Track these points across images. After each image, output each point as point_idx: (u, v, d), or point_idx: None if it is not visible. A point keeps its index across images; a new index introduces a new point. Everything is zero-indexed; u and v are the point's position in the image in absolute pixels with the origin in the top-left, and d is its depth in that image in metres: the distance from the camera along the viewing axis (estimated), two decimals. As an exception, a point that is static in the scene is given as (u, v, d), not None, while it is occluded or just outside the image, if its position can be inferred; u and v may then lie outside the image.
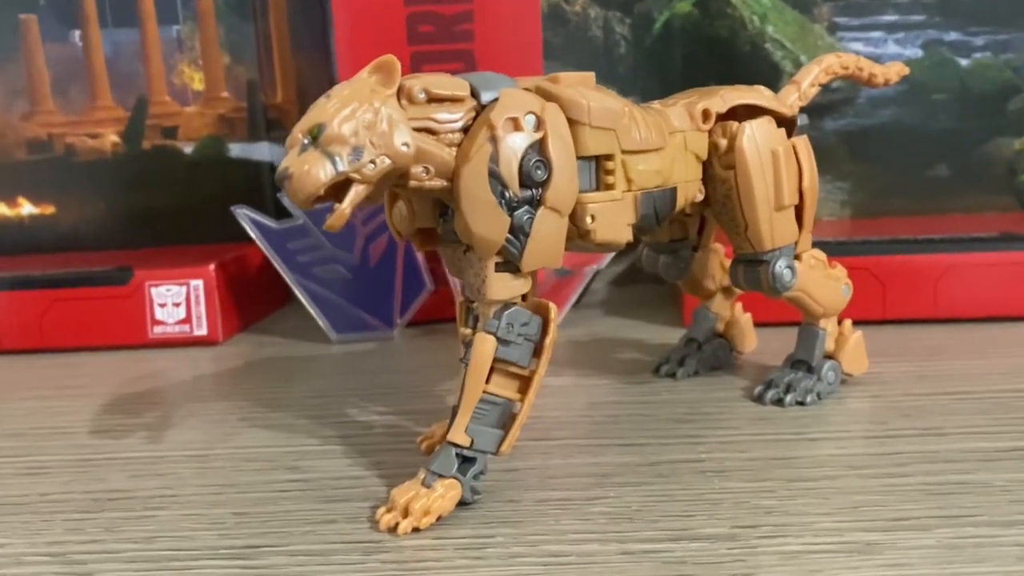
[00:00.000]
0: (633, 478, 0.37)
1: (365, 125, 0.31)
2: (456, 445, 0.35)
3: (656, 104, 0.41)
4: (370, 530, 0.33)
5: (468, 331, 0.36)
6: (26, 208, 0.74)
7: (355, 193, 0.32)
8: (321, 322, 0.61)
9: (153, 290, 0.61)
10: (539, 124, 0.34)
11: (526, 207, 0.34)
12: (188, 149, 0.73)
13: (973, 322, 0.57)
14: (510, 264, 0.34)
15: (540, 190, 0.34)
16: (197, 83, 0.73)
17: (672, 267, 0.48)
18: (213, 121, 0.73)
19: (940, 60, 0.68)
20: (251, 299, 0.66)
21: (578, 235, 0.36)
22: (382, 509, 0.34)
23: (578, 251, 0.38)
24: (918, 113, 0.68)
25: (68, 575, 0.31)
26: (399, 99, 0.33)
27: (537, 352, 0.35)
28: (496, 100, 0.34)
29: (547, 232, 0.34)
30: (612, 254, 0.62)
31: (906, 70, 0.49)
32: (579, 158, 0.35)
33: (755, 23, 0.68)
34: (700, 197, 0.42)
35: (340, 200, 0.32)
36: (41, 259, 0.69)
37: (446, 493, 0.34)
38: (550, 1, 0.71)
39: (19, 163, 0.73)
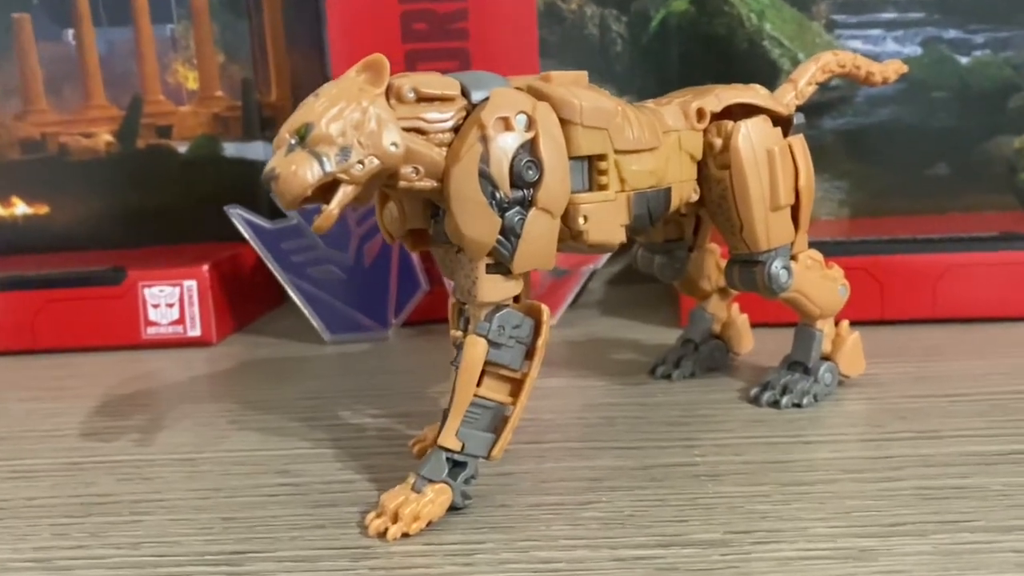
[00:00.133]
0: (626, 482, 0.36)
1: (353, 125, 0.31)
2: (446, 449, 0.34)
3: (650, 103, 0.41)
4: (359, 536, 0.33)
5: (459, 333, 0.36)
6: (20, 208, 0.73)
7: (343, 194, 0.31)
8: (315, 323, 0.60)
9: (146, 290, 0.61)
10: (530, 124, 0.33)
11: (517, 208, 0.33)
12: (182, 148, 0.72)
13: (972, 322, 0.56)
14: (501, 266, 0.34)
15: (531, 191, 0.33)
16: (191, 82, 0.72)
17: (667, 268, 0.47)
18: (207, 120, 0.72)
19: (939, 58, 0.67)
20: (245, 299, 0.66)
21: (571, 236, 0.36)
22: (371, 514, 0.34)
23: (571, 252, 0.38)
24: (917, 111, 0.68)
25: (52, 581, 0.31)
26: (388, 98, 0.32)
27: (529, 355, 0.35)
28: (487, 99, 0.33)
29: (539, 233, 0.34)
30: (608, 254, 0.61)
31: (904, 68, 0.48)
32: (571, 158, 0.35)
33: (752, 21, 0.67)
34: (695, 197, 0.41)
35: (328, 201, 0.31)
36: (35, 259, 0.69)
37: (436, 498, 0.33)
38: (546, -1, 0.71)
39: (12, 163, 0.73)
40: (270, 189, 0.31)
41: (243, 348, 0.60)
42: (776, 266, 0.42)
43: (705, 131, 0.41)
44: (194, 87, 0.72)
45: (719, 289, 0.49)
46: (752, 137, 0.41)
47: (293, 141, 0.31)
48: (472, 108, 0.33)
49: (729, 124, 0.41)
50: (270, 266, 0.60)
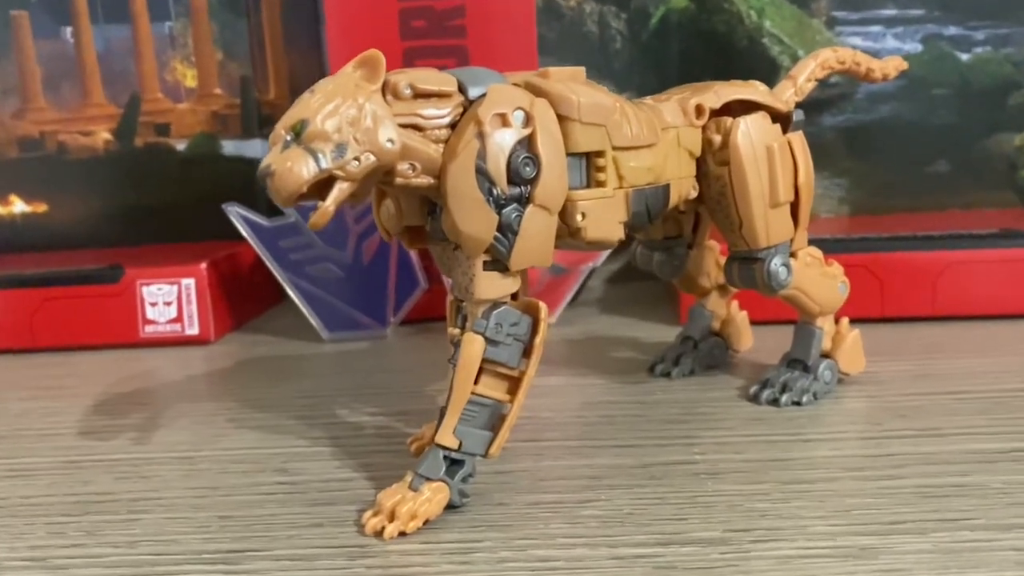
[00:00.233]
0: (625, 480, 0.36)
1: (349, 121, 0.31)
2: (444, 447, 0.34)
3: (648, 100, 0.40)
4: (356, 534, 0.33)
5: (457, 331, 0.36)
6: (18, 206, 0.73)
7: (339, 191, 0.31)
8: (314, 321, 0.60)
9: (144, 289, 0.61)
10: (528, 120, 0.33)
11: (515, 205, 0.33)
12: (181, 146, 0.72)
13: (972, 320, 0.56)
14: (499, 263, 0.34)
15: (529, 187, 0.33)
16: (190, 80, 0.72)
17: (666, 265, 0.47)
18: (206, 118, 0.72)
19: (940, 55, 0.67)
20: (243, 298, 0.66)
21: (568, 233, 0.36)
22: (368, 513, 0.33)
23: (569, 249, 0.38)
24: (917, 108, 0.68)
25: (48, 581, 0.31)
26: (384, 95, 0.32)
27: (527, 352, 0.34)
28: (484, 96, 0.33)
29: (536, 230, 0.34)
30: (608, 252, 0.61)
31: (904, 65, 0.48)
32: (569, 155, 0.35)
33: (752, 18, 0.67)
34: (694, 194, 0.41)
35: (324, 198, 0.31)
36: (33, 258, 0.69)
37: (433, 496, 0.33)
38: (545, -4, 0.71)
39: (11, 161, 0.73)
40: (265, 186, 0.31)
41: (241, 346, 0.60)
42: (775, 263, 0.42)
43: (704, 128, 0.41)
44: (192, 85, 0.72)
45: (718, 286, 0.49)
46: (751, 134, 0.40)
47: (289, 137, 0.31)
48: (469, 104, 0.33)
49: (728, 121, 0.40)
50: (268, 264, 0.60)
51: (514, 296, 0.35)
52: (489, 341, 0.34)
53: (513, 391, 0.34)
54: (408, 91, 0.32)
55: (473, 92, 0.33)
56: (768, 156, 0.41)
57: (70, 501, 0.37)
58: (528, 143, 0.33)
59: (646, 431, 0.41)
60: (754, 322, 0.51)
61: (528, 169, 0.33)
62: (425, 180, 0.33)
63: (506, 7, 0.59)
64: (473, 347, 0.34)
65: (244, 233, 0.60)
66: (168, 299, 0.60)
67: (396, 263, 0.60)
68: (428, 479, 0.34)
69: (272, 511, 0.35)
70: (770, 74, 0.65)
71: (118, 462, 0.41)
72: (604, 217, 0.36)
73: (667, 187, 0.39)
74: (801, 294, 0.43)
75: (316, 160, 0.30)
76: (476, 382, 0.34)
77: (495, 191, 0.32)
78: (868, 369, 0.46)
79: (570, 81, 0.35)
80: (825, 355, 0.45)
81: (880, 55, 0.48)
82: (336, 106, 0.31)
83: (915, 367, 0.48)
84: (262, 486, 0.37)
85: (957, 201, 0.68)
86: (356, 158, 0.31)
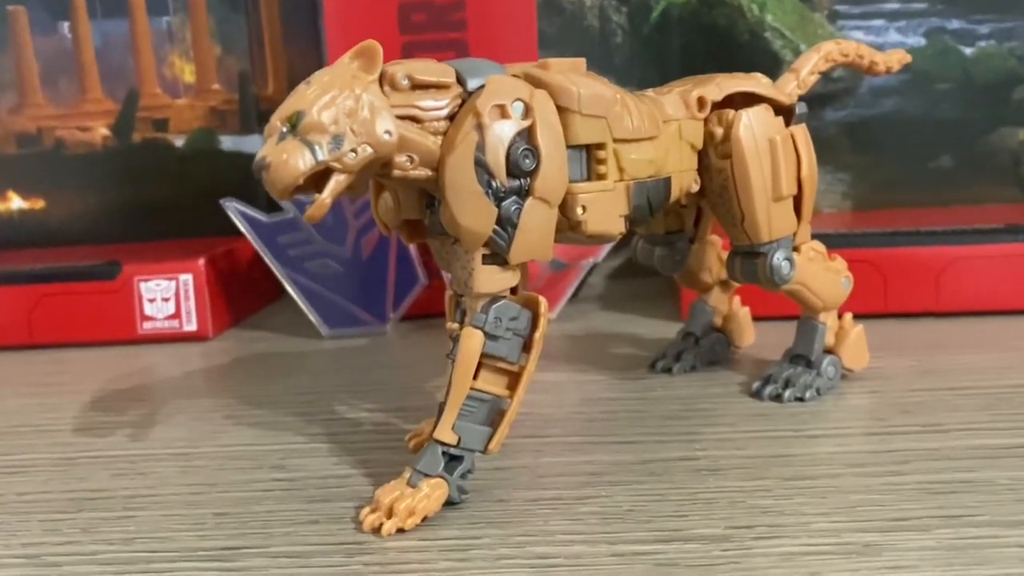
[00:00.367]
0: (625, 477, 0.36)
1: (346, 112, 0.30)
2: (442, 443, 0.34)
3: (650, 92, 0.40)
4: (354, 531, 0.33)
5: (455, 325, 0.35)
6: (16, 202, 0.73)
7: (335, 183, 0.31)
8: (312, 317, 0.60)
9: (142, 285, 0.60)
10: (527, 111, 0.33)
11: (514, 197, 0.33)
12: (179, 142, 0.72)
13: (976, 315, 0.56)
14: (498, 256, 0.33)
15: (528, 180, 0.33)
16: (188, 75, 0.72)
17: (668, 260, 0.47)
18: (204, 113, 0.72)
19: (943, 49, 0.67)
20: (242, 294, 0.65)
21: (569, 227, 0.35)
22: (366, 509, 0.33)
23: (569, 243, 0.37)
24: (921, 103, 0.67)
25: (41, 578, 0.31)
26: (381, 86, 0.32)
27: (527, 347, 0.34)
28: (483, 87, 0.33)
29: (536, 223, 0.33)
30: (609, 247, 0.61)
31: (908, 57, 0.48)
32: (569, 147, 0.34)
33: (754, 12, 0.67)
34: (696, 188, 0.41)
35: (320, 190, 0.31)
36: (31, 254, 0.68)
37: (432, 493, 0.33)
38: (545, -10, 0.70)
39: (8, 157, 0.72)
40: (261, 178, 0.30)
41: (239, 343, 0.60)
42: (778, 258, 0.41)
43: (706, 120, 0.40)
44: (191, 80, 0.72)
45: (720, 282, 0.48)
46: (754, 126, 0.40)
47: (284, 129, 0.31)
48: (468, 96, 0.33)
49: (730, 113, 0.40)
50: (267, 260, 0.60)
51: (514, 290, 0.34)
52: (488, 336, 0.33)
53: (513, 386, 0.34)
54: (406, 82, 0.32)
55: (472, 83, 0.33)
56: (771, 149, 0.40)
57: (66, 498, 0.37)
58: (528, 135, 0.33)
59: (647, 427, 0.41)
60: (756, 318, 0.50)
61: (528, 161, 0.32)
62: (423, 172, 0.32)
63: (506, 1, 0.58)
64: (472, 342, 0.33)
65: (242, 228, 0.59)
66: (166, 295, 0.60)
67: (395, 258, 0.60)
68: (426, 475, 0.33)
69: (269, 508, 0.35)
70: (772, 69, 0.64)
71: (114, 458, 0.41)
72: (605, 210, 0.36)
73: (668, 180, 0.38)
74: (804, 289, 0.43)
75: (312, 152, 0.30)
76: (475, 377, 0.33)
77: (494, 184, 0.32)
78: (871, 365, 0.46)
79: (570, 72, 0.35)
80: (828, 351, 0.44)
81: (883, 49, 0.48)
82: (333, 97, 0.30)
83: (918, 363, 0.48)
84: (259, 483, 0.37)
85: (961, 196, 0.68)
86: (353, 150, 0.30)
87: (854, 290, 0.45)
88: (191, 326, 0.60)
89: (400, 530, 0.32)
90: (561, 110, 0.34)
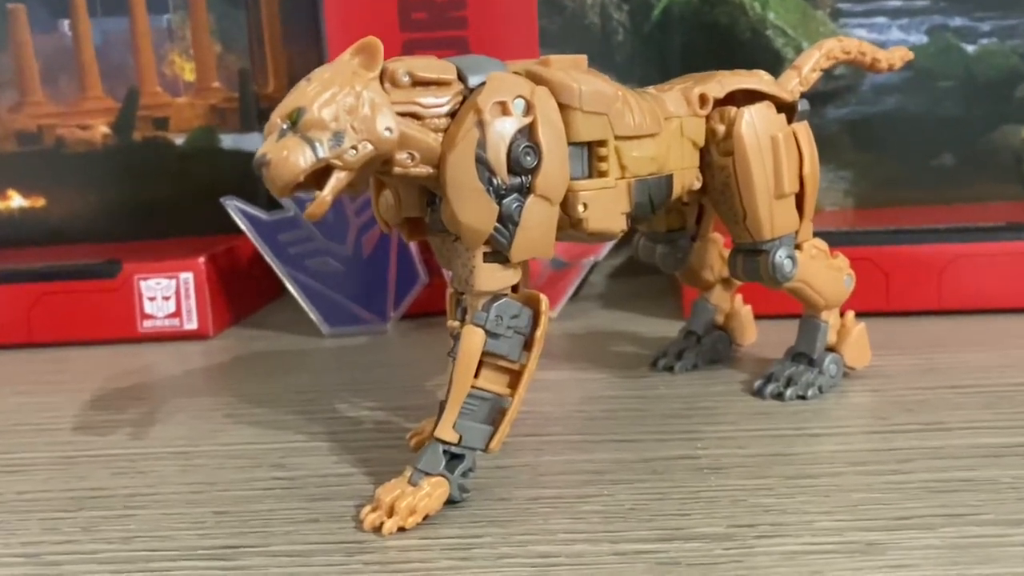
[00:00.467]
0: (627, 475, 0.36)
1: (346, 109, 0.30)
2: (443, 442, 0.33)
3: (651, 89, 0.40)
4: (354, 530, 0.32)
5: (456, 324, 0.35)
6: (16, 201, 0.73)
7: (336, 180, 0.31)
8: (313, 315, 0.59)
9: (142, 283, 0.60)
10: (528, 108, 0.33)
11: (515, 195, 0.32)
12: (179, 140, 0.72)
13: (979, 314, 0.55)
14: (499, 254, 0.33)
15: (530, 177, 0.33)
16: (188, 73, 0.72)
17: (670, 258, 0.46)
18: (204, 112, 0.72)
19: (945, 46, 0.66)
20: (242, 292, 0.65)
21: (570, 224, 0.35)
22: (367, 508, 0.33)
23: (570, 241, 0.37)
24: (923, 100, 0.67)
25: (41, 577, 0.31)
26: (382, 82, 0.31)
27: (528, 345, 0.34)
28: (483, 84, 0.33)
29: (537, 221, 0.33)
30: (610, 245, 0.61)
31: (910, 55, 0.48)
32: (570, 144, 0.34)
33: (756, 9, 0.67)
34: (697, 185, 0.41)
35: (321, 188, 0.31)
36: (31, 252, 0.68)
37: (433, 491, 0.33)
38: (546, -13, 0.70)
39: (9, 155, 0.72)
40: (261, 175, 0.30)
41: (240, 341, 0.60)
42: (780, 255, 0.41)
43: (708, 117, 0.40)
44: (191, 78, 0.72)
45: (722, 280, 0.48)
46: (756, 123, 0.40)
47: (285, 126, 0.30)
48: (469, 93, 0.33)
49: (732, 110, 0.40)
50: (267, 258, 0.59)
51: (515, 288, 0.34)
52: (489, 334, 0.33)
53: (514, 385, 0.34)
54: (406, 79, 0.32)
55: (473, 80, 0.33)
56: (773, 146, 0.40)
57: (65, 497, 0.37)
58: (529, 132, 0.32)
59: (648, 426, 0.41)
60: (758, 316, 0.50)
61: (529, 158, 0.32)
62: (424, 170, 0.32)
63: (507, -1, 0.58)
64: (473, 340, 0.33)
65: (242, 226, 0.59)
66: (166, 294, 0.60)
67: (396, 257, 0.59)
68: (427, 474, 0.33)
69: (269, 506, 0.35)
70: (774, 67, 0.64)
71: (114, 457, 0.40)
72: (606, 208, 0.35)
73: (670, 178, 0.38)
74: (806, 287, 0.43)
75: (313, 149, 0.30)
76: (476, 375, 0.33)
77: (495, 181, 0.32)
78: (874, 363, 0.46)
79: (572, 69, 0.35)
80: (830, 349, 0.44)
81: (885, 47, 0.48)
82: (333, 94, 0.30)
83: (921, 361, 0.48)
84: (259, 481, 0.37)
85: (963, 194, 0.67)
86: (353, 147, 0.30)
87: (856, 288, 0.44)
88: (191, 324, 0.60)
89: (401, 529, 0.32)
90: (562, 107, 0.34)
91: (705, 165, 0.41)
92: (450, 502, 0.33)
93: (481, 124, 0.32)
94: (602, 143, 0.35)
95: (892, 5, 0.66)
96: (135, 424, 0.45)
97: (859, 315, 0.46)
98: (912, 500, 0.32)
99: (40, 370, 0.56)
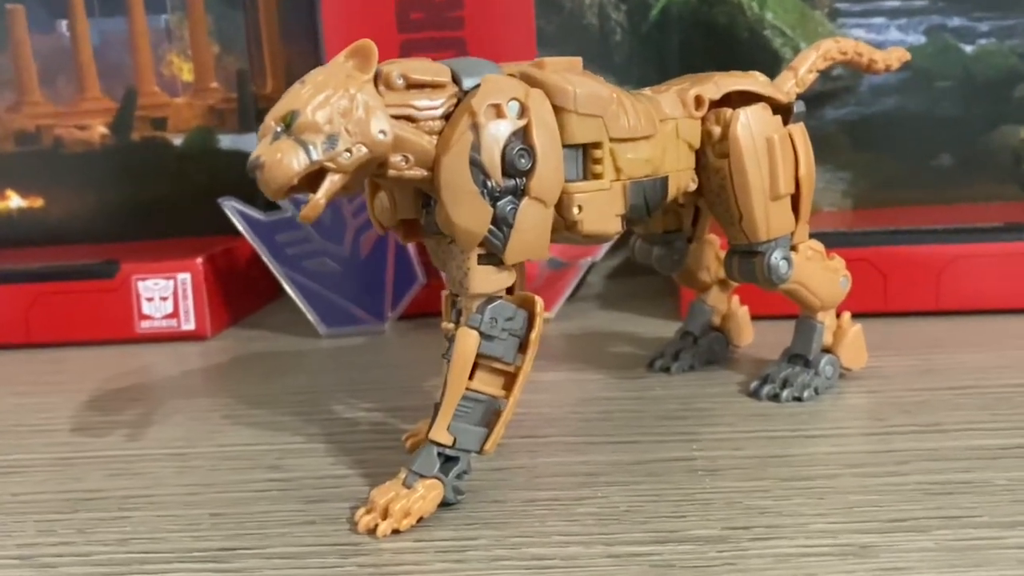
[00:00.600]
0: (622, 477, 0.36)
1: (340, 112, 0.30)
2: (438, 444, 0.33)
3: (647, 91, 0.40)
4: (349, 532, 0.32)
5: (451, 325, 0.35)
6: (14, 201, 0.73)
7: (330, 183, 0.31)
8: (310, 316, 0.59)
9: (140, 284, 0.60)
10: (523, 111, 0.33)
11: (509, 197, 0.32)
12: (178, 141, 0.72)
13: (977, 314, 0.55)
14: (494, 256, 0.33)
15: (524, 179, 0.33)
16: (186, 74, 0.72)
17: (666, 259, 0.46)
18: (203, 112, 0.72)
19: (943, 46, 0.66)
20: (240, 293, 0.65)
21: (565, 226, 0.35)
22: (361, 510, 0.33)
23: (565, 243, 0.37)
24: (921, 101, 0.67)
25: (35, 579, 0.31)
26: (376, 85, 0.31)
27: (522, 347, 0.34)
28: (478, 86, 0.33)
29: (532, 223, 0.33)
30: (607, 246, 0.61)
31: (907, 55, 0.48)
32: (565, 146, 0.34)
33: (754, 9, 0.67)
34: (693, 187, 0.41)
35: (315, 190, 0.31)
36: (29, 252, 0.68)
37: (427, 494, 0.33)
38: (544, -13, 0.70)
39: (7, 155, 0.72)
40: (255, 178, 0.30)
41: (237, 342, 0.60)
42: (776, 257, 0.41)
43: (703, 119, 0.40)
44: (189, 79, 0.72)
45: (719, 281, 0.48)
46: (751, 125, 0.40)
47: (279, 129, 0.30)
48: (463, 95, 0.33)
49: (728, 112, 0.40)
50: (265, 259, 0.59)
51: (510, 290, 0.34)
52: (484, 336, 0.33)
53: (509, 387, 0.34)
54: (401, 81, 0.32)
55: (467, 83, 0.33)
56: (768, 148, 0.40)
57: (61, 498, 0.37)
58: (523, 134, 0.32)
59: (644, 427, 0.41)
60: (755, 317, 0.50)
61: (523, 161, 0.32)
62: (418, 172, 0.32)
63: (504, -1, 0.58)
64: (467, 342, 0.33)
65: (240, 227, 0.59)
66: (164, 294, 0.60)
67: (394, 258, 0.59)
68: (422, 476, 0.33)
69: (265, 508, 0.35)
70: (772, 67, 0.64)
71: (111, 459, 0.40)
72: (601, 210, 0.35)
73: (665, 179, 0.38)
74: (802, 288, 0.43)
75: (307, 152, 0.30)
76: (471, 378, 0.33)
77: (489, 183, 0.32)
78: (870, 364, 0.46)
79: (566, 71, 0.35)
80: (826, 350, 0.44)
81: (883, 47, 0.48)
82: (327, 97, 0.30)
83: (918, 362, 0.48)
84: (255, 483, 0.37)
85: (961, 194, 0.67)
86: (348, 150, 0.30)
87: (854, 289, 0.44)
88: (189, 325, 0.60)
89: (395, 531, 0.32)
90: (557, 109, 0.34)
91: (701, 167, 0.41)
92: (444, 504, 0.33)
93: (475, 127, 0.32)
94: (597, 145, 0.35)
95: (890, 5, 0.66)
96: (132, 425, 0.45)
97: (857, 315, 0.46)
98: (908, 502, 0.32)
99: (37, 370, 0.56)
